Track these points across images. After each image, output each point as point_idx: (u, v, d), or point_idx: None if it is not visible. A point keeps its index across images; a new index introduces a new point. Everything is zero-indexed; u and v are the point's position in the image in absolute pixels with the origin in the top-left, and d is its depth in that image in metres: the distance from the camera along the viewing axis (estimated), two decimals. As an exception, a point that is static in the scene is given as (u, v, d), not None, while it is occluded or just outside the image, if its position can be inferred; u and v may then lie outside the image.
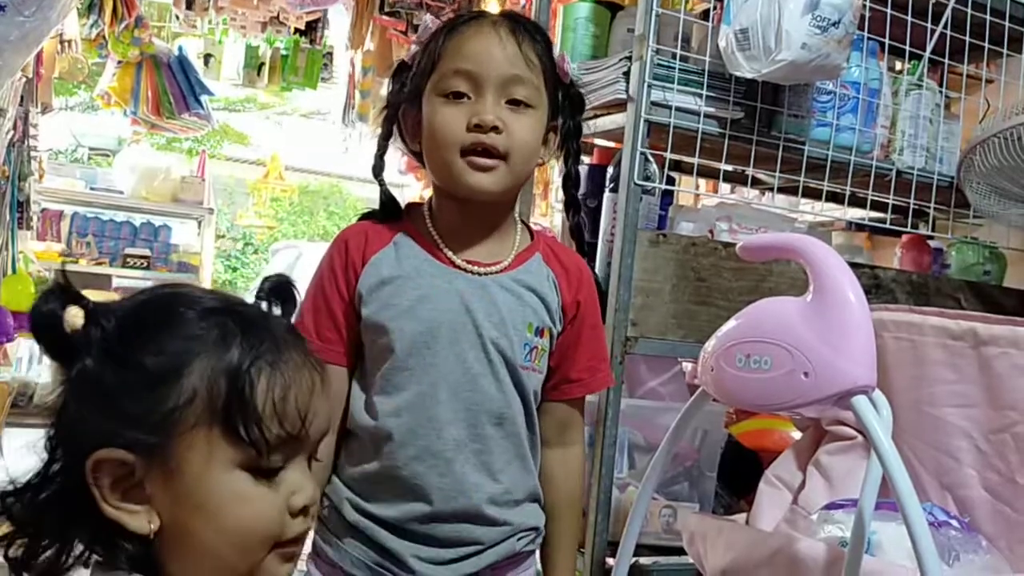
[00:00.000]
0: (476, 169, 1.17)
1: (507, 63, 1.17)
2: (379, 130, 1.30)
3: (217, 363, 0.75)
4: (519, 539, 1.24)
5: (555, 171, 1.35)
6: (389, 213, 1.28)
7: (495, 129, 1.16)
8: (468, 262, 1.22)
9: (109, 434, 0.73)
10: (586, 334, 1.28)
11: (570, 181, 1.34)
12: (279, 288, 0.86)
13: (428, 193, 1.31)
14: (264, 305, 0.85)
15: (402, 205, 1.32)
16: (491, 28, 1.19)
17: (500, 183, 1.18)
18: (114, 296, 4.87)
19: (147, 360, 0.74)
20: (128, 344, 0.75)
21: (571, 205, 1.36)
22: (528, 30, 1.22)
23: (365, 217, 1.30)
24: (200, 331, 0.76)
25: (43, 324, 0.75)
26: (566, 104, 1.27)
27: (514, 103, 1.18)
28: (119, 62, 5.00)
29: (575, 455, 1.31)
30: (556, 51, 1.26)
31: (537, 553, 1.30)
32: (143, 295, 0.80)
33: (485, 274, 1.22)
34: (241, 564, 0.78)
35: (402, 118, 1.26)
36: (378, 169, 1.31)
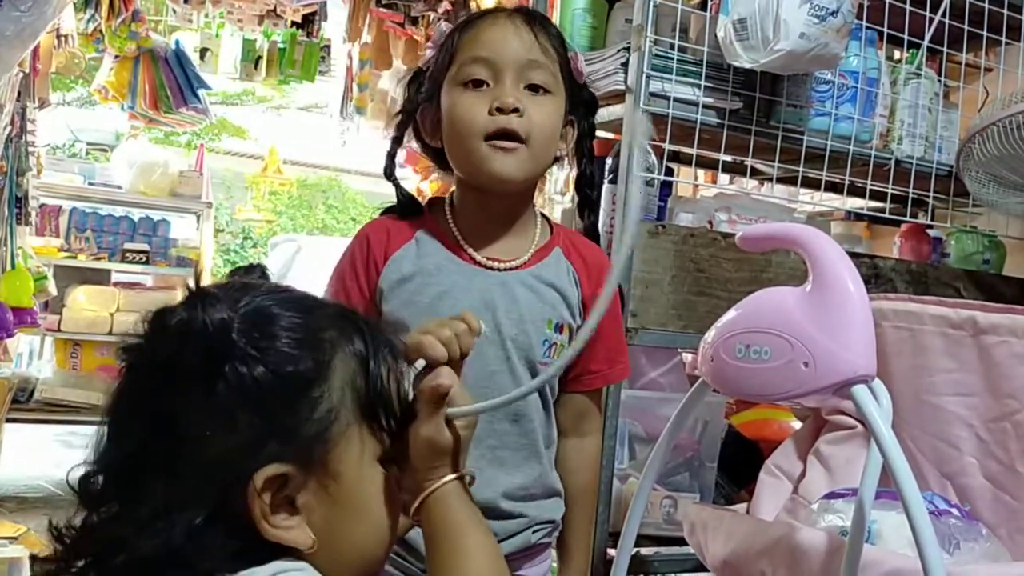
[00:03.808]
0: (498, 152, 1.17)
1: (524, 49, 1.19)
2: (392, 134, 1.30)
3: (351, 357, 0.74)
4: (534, 531, 1.25)
5: (562, 156, 1.34)
6: (409, 210, 1.28)
7: (515, 111, 1.16)
8: (489, 259, 1.23)
9: (260, 448, 0.69)
10: (606, 327, 1.28)
11: (584, 181, 1.34)
12: (263, 278, 0.85)
13: (427, 186, 1.32)
14: None
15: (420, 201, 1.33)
16: (506, 18, 1.21)
17: (522, 168, 1.18)
18: (114, 291, 4.86)
19: (295, 363, 0.71)
20: (268, 349, 0.71)
21: (585, 205, 1.36)
22: (542, 23, 1.23)
23: (386, 212, 1.30)
24: (324, 326, 0.74)
25: (208, 327, 0.69)
26: (580, 105, 1.28)
27: (533, 88, 1.19)
28: (116, 57, 4.98)
29: (591, 444, 1.32)
30: (570, 52, 1.27)
31: (553, 543, 1.31)
32: (239, 303, 0.73)
33: (505, 270, 1.23)
34: (382, 554, 0.79)
35: (420, 119, 1.27)
36: (389, 170, 1.32)
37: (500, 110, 1.16)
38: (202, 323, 0.70)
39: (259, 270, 0.86)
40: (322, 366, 0.72)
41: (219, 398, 0.69)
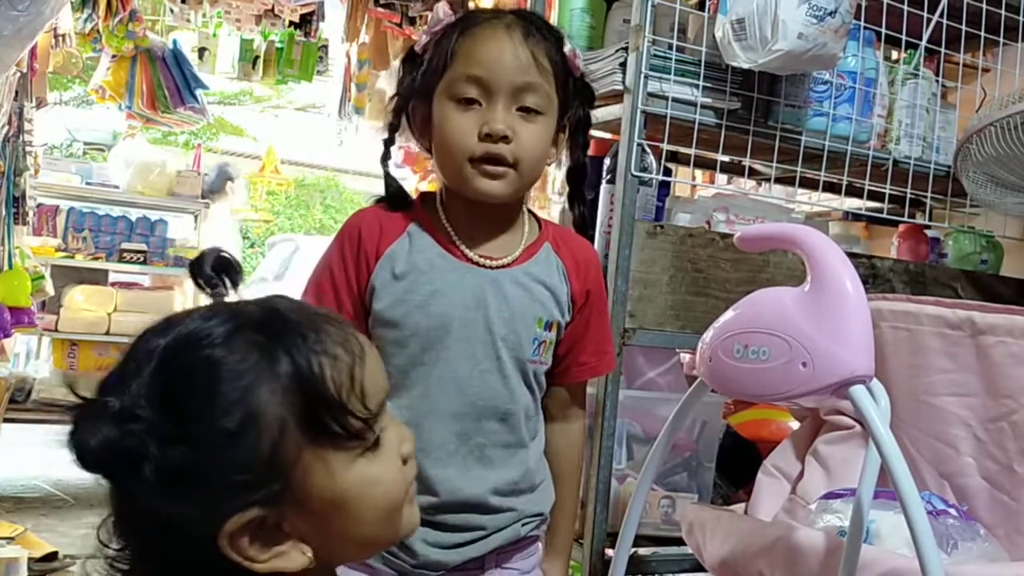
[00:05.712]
0: (485, 176, 1.18)
1: (519, 71, 1.17)
2: (389, 120, 1.29)
3: (280, 382, 0.71)
4: (523, 524, 1.25)
5: (552, 163, 1.34)
6: (399, 203, 1.27)
7: (504, 139, 1.16)
8: (481, 256, 1.23)
9: (221, 507, 0.69)
10: (594, 322, 1.30)
11: (576, 172, 1.33)
12: (220, 264, 0.79)
13: (425, 186, 1.31)
14: (219, 290, 0.78)
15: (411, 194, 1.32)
16: (504, 32, 1.19)
17: (509, 189, 1.19)
18: (111, 291, 4.84)
19: (216, 424, 0.69)
20: (186, 420, 0.68)
21: (575, 197, 1.35)
22: (541, 32, 1.21)
23: (377, 203, 1.29)
24: (243, 364, 0.70)
25: (95, 452, 0.67)
26: (576, 96, 1.27)
27: (525, 111, 1.18)
28: (113, 56, 4.98)
29: (576, 428, 1.34)
30: (567, 46, 1.25)
31: (542, 537, 1.32)
32: (153, 360, 0.70)
33: (497, 268, 1.23)
34: (390, 531, 0.79)
35: (411, 113, 1.26)
36: (385, 157, 1.30)
37: (489, 136, 1.16)
38: (101, 440, 0.67)
39: (213, 256, 0.79)
40: (248, 416, 0.69)
41: (161, 486, 0.68)
